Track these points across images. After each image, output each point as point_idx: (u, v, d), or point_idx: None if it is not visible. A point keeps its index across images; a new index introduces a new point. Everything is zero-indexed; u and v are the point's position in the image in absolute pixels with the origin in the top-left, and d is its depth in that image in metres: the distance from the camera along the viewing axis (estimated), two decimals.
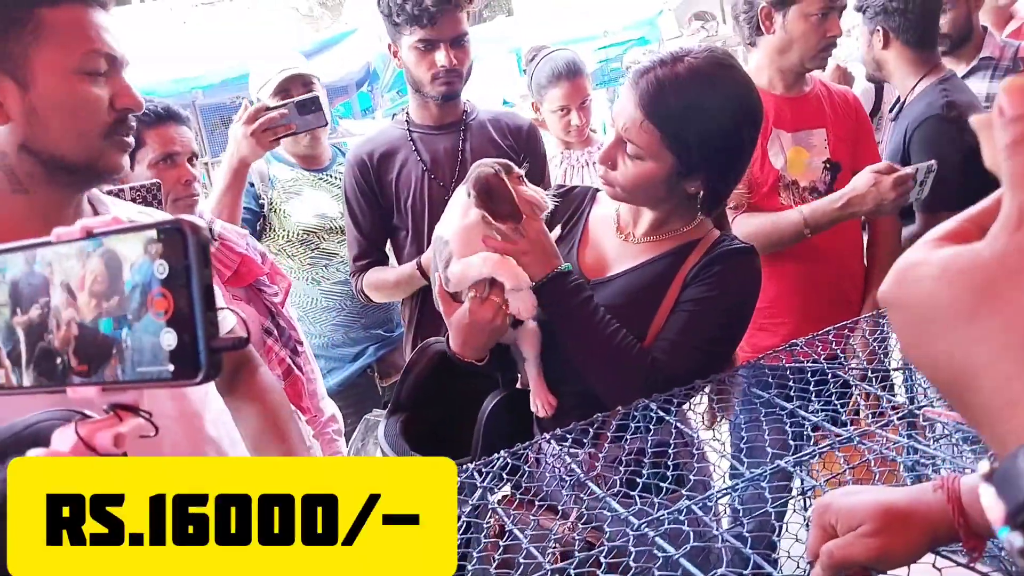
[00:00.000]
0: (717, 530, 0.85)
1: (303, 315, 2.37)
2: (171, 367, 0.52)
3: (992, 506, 0.35)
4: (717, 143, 1.22)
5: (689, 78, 1.21)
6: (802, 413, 1.09)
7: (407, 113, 2.09)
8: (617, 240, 1.37)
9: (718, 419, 1.31)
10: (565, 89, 2.54)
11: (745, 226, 1.84)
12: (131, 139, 1.13)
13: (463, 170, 1.95)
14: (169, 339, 0.52)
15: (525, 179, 1.28)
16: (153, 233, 0.53)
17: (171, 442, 1.14)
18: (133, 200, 1.60)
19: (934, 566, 0.75)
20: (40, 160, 1.07)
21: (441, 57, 1.91)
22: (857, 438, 1.01)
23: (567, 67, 2.56)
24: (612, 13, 8.17)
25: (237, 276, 1.88)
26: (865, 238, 2.17)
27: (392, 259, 2.16)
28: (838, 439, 1.01)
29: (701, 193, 1.27)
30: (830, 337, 1.30)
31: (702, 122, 1.21)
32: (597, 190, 1.46)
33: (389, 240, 2.13)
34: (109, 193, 1.51)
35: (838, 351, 1.27)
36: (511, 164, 1.24)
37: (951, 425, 1.02)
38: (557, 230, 1.41)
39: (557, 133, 2.65)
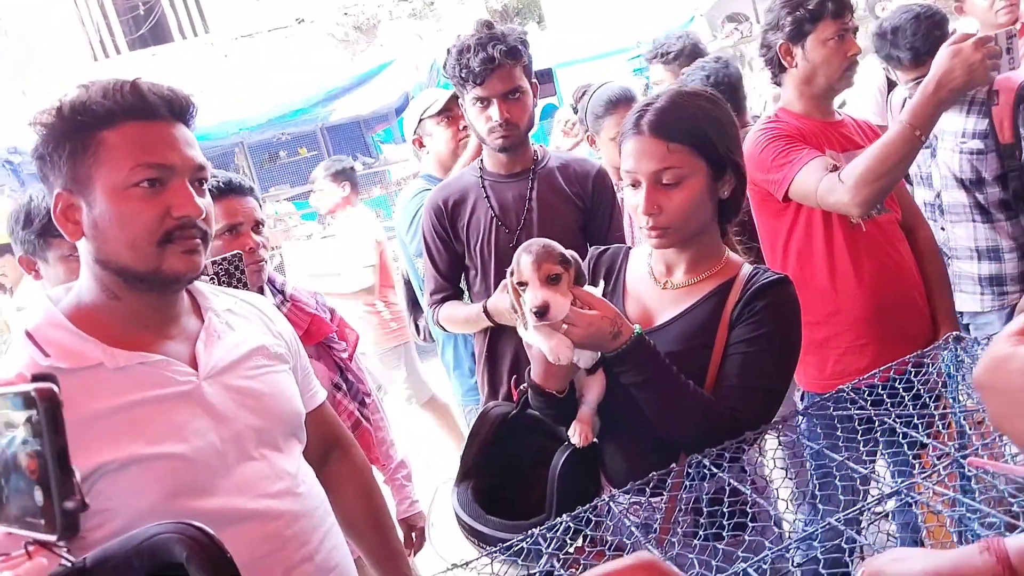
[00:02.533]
0: None
1: None
2: (42, 521, 0.59)
3: None
4: (727, 135, 1.36)
5: (677, 99, 1.36)
6: (850, 465, 1.13)
7: (481, 161, 2.21)
8: (657, 290, 1.45)
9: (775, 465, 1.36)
10: (621, 115, 2.62)
11: (855, 167, 1.81)
12: (196, 242, 1.17)
13: (529, 218, 2.09)
14: (39, 496, 0.59)
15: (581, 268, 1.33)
16: (15, 398, 0.59)
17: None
18: (216, 274, 1.69)
19: None
20: (112, 270, 1.15)
21: (495, 112, 2.02)
22: (905, 491, 1.05)
23: (622, 94, 2.68)
24: (644, 23, 8.17)
25: (308, 335, 1.98)
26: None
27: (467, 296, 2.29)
28: (887, 494, 1.06)
29: (730, 194, 1.38)
30: (876, 381, 1.34)
31: (710, 122, 1.35)
32: (629, 248, 1.55)
33: (464, 276, 2.25)
34: None
35: (884, 396, 1.31)
36: (568, 261, 1.29)
37: (997, 475, 1.06)
38: (601, 284, 1.48)
39: (615, 162, 2.72)
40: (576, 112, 3.05)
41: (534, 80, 2.12)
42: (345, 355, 2.13)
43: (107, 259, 1.14)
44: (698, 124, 1.34)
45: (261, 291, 1.92)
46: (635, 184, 1.37)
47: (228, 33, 12.43)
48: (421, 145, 2.79)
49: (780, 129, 2.03)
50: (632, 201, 1.37)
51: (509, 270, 1.28)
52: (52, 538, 0.58)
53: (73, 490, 0.58)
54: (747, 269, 1.40)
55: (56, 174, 1.13)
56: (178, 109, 1.16)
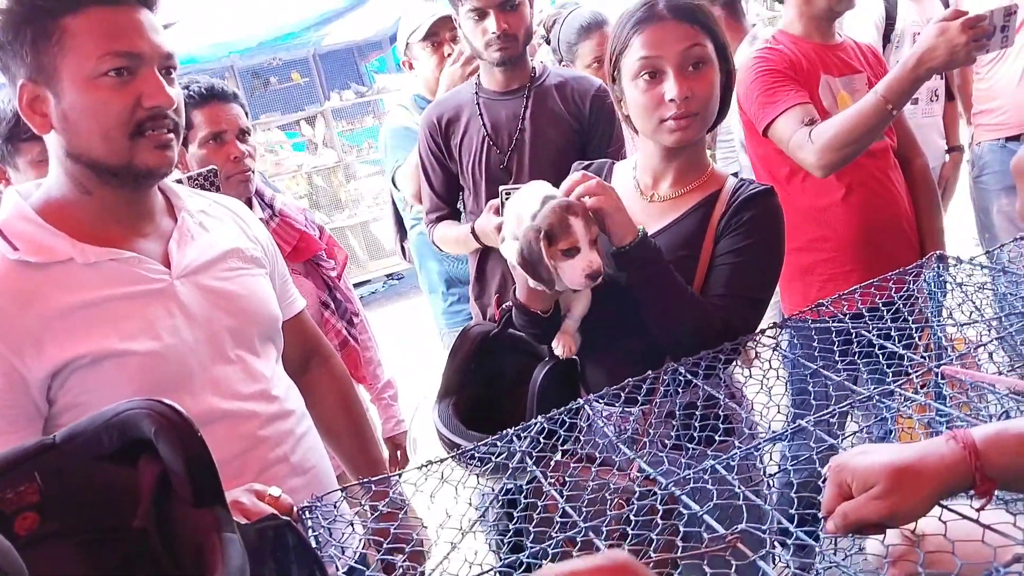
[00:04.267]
0: (738, 488, 0.91)
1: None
2: None
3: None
4: (721, 29, 1.38)
5: None
6: (825, 373, 1.14)
7: (478, 76, 2.15)
8: (643, 202, 1.44)
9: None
10: (596, 39, 2.56)
11: (825, 130, 1.82)
12: (168, 135, 1.14)
13: (521, 138, 2.04)
14: None
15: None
16: None
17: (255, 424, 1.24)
18: (192, 188, 1.67)
19: (940, 519, 0.80)
20: (84, 164, 1.12)
21: (491, 24, 1.96)
22: (877, 397, 1.06)
23: (593, 18, 2.60)
24: None
25: (296, 251, 1.97)
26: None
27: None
28: (858, 398, 1.07)
29: (722, 91, 1.38)
30: (856, 297, 1.34)
31: (709, 12, 1.37)
32: (613, 162, 1.54)
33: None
34: (176, 181, 1.59)
35: (863, 310, 1.31)
36: (571, 204, 1.27)
37: (970, 383, 1.07)
38: None
39: None
40: (548, 43, 2.97)
41: None
42: (334, 273, 2.12)
43: (78, 152, 1.12)
44: (706, 12, 1.36)
45: (249, 203, 1.90)
46: (654, 74, 1.33)
47: None
48: (411, 67, 2.73)
49: (771, 62, 1.99)
50: (652, 92, 1.33)
51: (499, 196, 1.25)
52: None
53: None
54: (732, 181, 1.40)
55: (18, 64, 1.09)
56: None
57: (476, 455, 1.15)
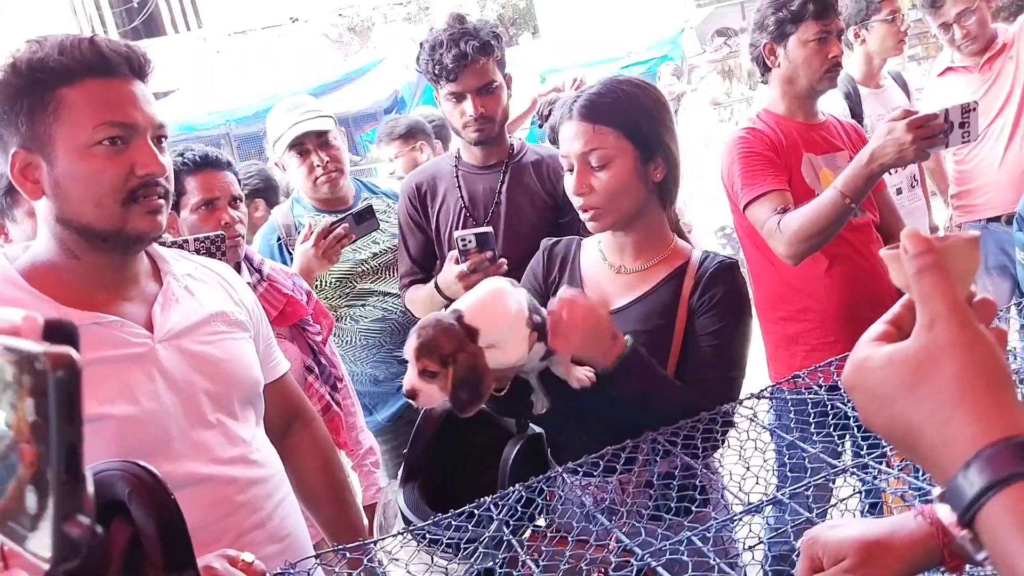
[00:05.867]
0: (714, 560, 0.91)
1: (344, 354, 2.45)
2: (30, 533, 0.42)
3: (948, 518, 0.52)
4: (656, 120, 1.42)
5: (608, 85, 1.42)
6: (801, 445, 1.15)
7: (459, 150, 2.21)
8: (611, 275, 1.50)
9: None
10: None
11: (791, 222, 1.87)
12: (159, 200, 1.17)
13: (497, 211, 2.10)
14: (31, 502, 0.42)
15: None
16: (18, 364, 0.42)
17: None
18: (197, 252, 1.68)
19: None
20: (74, 229, 1.14)
21: (468, 107, 2.04)
22: (852, 470, 1.07)
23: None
24: (635, 33, 8.25)
25: (283, 316, 1.98)
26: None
27: None
28: (832, 471, 1.08)
29: (662, 177, 1.42)
30: (832, 369, 1.36)
31: (638, 108, 1.41)
32: (581, 239, 1.59)
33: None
34: (173, 245, 1.60)
35: (839, 381, 1.33)
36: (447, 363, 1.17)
37: None
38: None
39: None
40: (541, 126, 3.05)
41: (507, 72, 2.13)
42: (319, 338, 2.13)
43: (69, 218, 1.14)
44: (624, 108, 1.39)
45: (238, 268, 1.92)
46: (570, 169, 1.43)
47: (221, 29, 12.42)
48: (284, 168, 2.47)
49: (753, 144, 2.06)
50: (568, 185, 1.43)
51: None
52: (43, 564, 0.41)
53: (80, 505, 0.41)
54: (697, 254, 1.46)
55: (11, 132, 1.12)
56: (137, 66, 1.16)
57: (452, 524, 1.13)
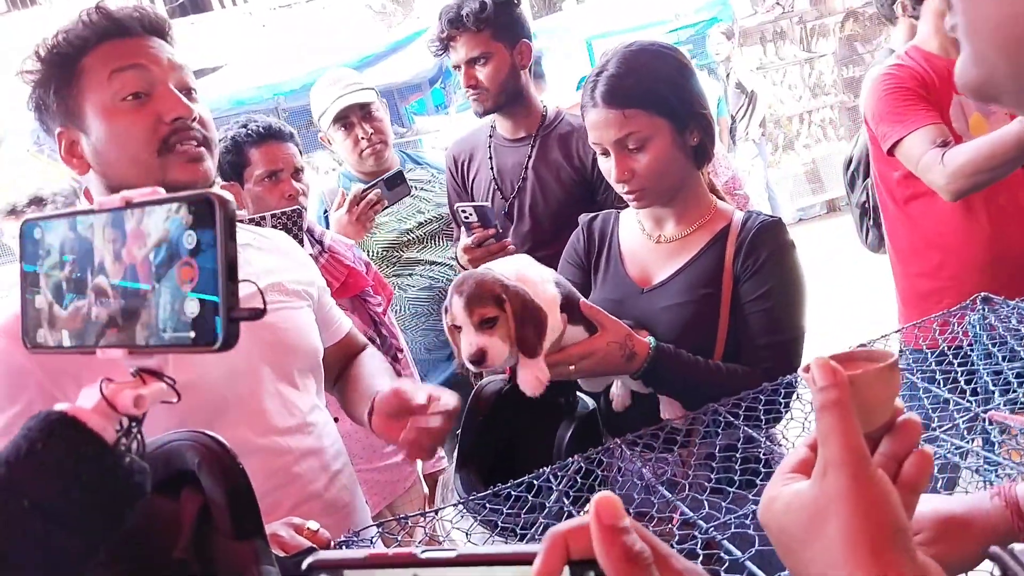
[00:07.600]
0: None
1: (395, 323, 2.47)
2: (192, 334, 0.55)
3: None
4: (683, 87, 1.35)
5: (627, 62, 1.34)
6: None
7: (494, 120, 2.19)
8: (652, 246, 1.46)
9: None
10: None
11: (959, 154, 1.75)
12: (198, 148, 1.15)
13: (524, 185, 2.08)
14: (192, 307, 0.54)
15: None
16: (185, 205, 0.55)
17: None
18: (274, 227, 1.70)
19: (992, 574, 0.77)
20: None
21: (463, 78, 2.05)
22: (923, 442, 1.04)
23: None
24: None
25: (344, 287, 2.00)
26: None
27: None
28: None
29: (698, 142, 1.37)
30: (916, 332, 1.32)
31: (662, 80, 1.34)
32: (618, 212, 1.55)
33: None
34: (251, 222, 1.61)
35: (907, 351, 1.29)
36: (503, 301, 1.16)
37: (1019, 428, 1.04)
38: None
39: None
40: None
41: (525, 40, 2.05)
42: (380, 309, 2.14)
43: (116, 184, 1.13)
44: (649, 85, 1.33)
45: (300, 241, 1.93)
46: (604, 153, 1.38)
47: (266, 3, 12.48)
48: (329, 142, 2.50)
49: (902, 80, 1.92)
50: (605, 168, 1.39)
51: (443, 307, 1.20)
52: (212, 348, 0.54)
53: (237, 301, 0.54)
54: (739, 215, 1.41)
55: (51, 115, 1.15)
56: (149, 24, 1.16)
57: (512, 495, 1.13)
